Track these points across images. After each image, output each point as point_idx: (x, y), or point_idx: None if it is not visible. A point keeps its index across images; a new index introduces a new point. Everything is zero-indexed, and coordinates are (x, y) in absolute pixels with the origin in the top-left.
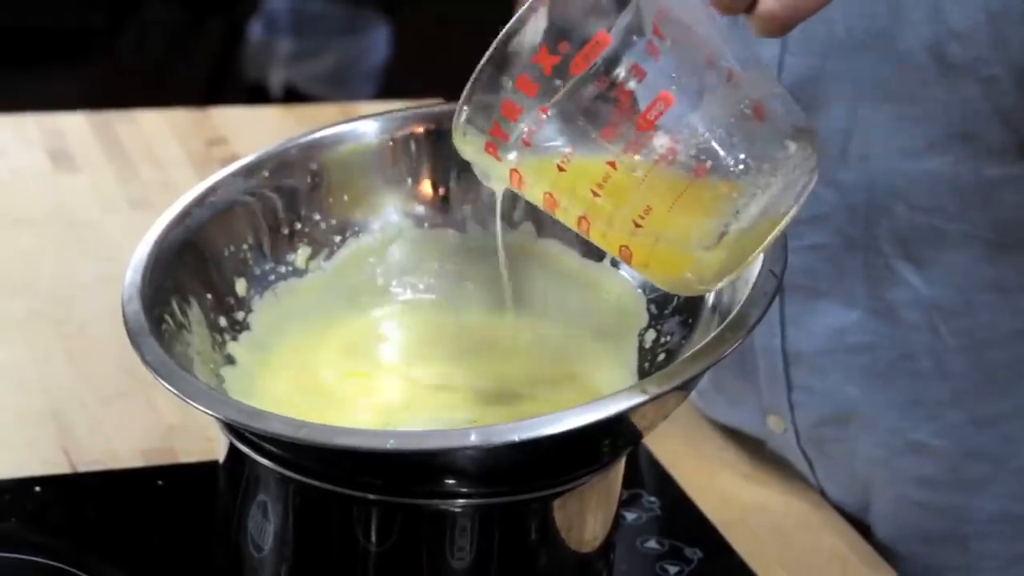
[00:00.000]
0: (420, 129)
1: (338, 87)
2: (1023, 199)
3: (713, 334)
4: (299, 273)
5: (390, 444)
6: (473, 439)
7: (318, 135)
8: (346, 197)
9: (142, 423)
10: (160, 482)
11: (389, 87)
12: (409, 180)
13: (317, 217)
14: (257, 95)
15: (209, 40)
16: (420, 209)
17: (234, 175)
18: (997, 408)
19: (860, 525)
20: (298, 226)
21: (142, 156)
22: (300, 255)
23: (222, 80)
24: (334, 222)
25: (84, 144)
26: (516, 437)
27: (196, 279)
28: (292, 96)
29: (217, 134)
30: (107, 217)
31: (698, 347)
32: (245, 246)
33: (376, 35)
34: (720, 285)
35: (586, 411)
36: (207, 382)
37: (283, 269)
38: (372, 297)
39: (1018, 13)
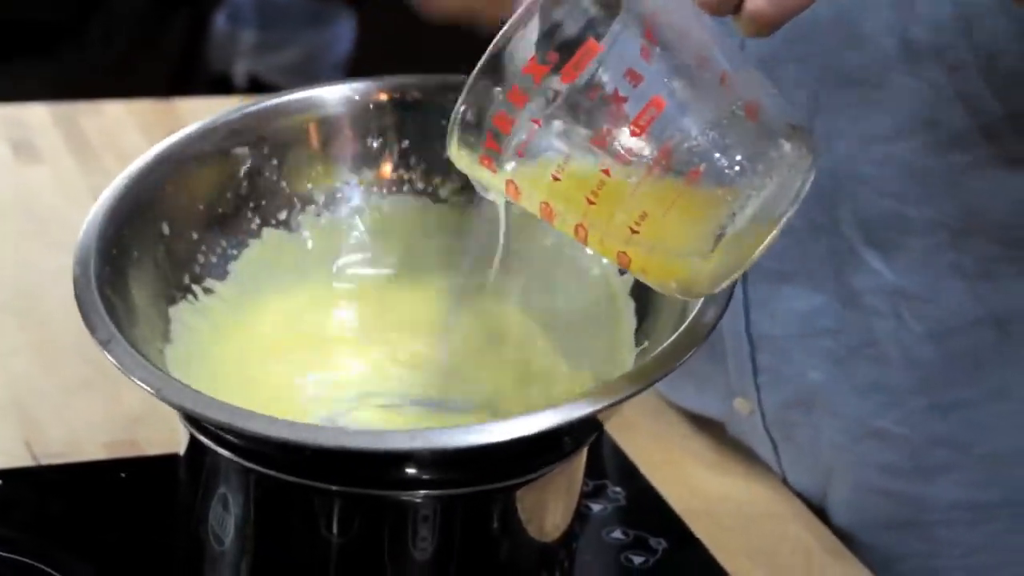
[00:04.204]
0: (384, 97)
1: (303, 78)
2: (987, 186)
3: (679, 330)
4: (255, 242)
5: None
6: (418, 443)
7: (273, 102)
8: (305, 166)
9: (105, 415)
10: (123, 474)
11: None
12: (373, 148)
13: (274, 186)
14: (222, 86)
15: (174, 31)
16: (384, 179)
17: (186, 140)
18: (960, 395)
19: (821, 512)
20: (253, 196)
21: (105, 147)
22: (255, 225)
23: (186, 71)
24: (291, 192)
25: (47, 135)
26: (466, 442)
27: (146, 248)
28: (257, 87)
29: (181, 125)
30: (70, 208)
31: (663, 346)
32: (197, 216)
33: (341, 27)
34: (718, 289)
35: (546, 416)
36: (153, 353)
37: (238, 238)
38: (330, 270)
39: None
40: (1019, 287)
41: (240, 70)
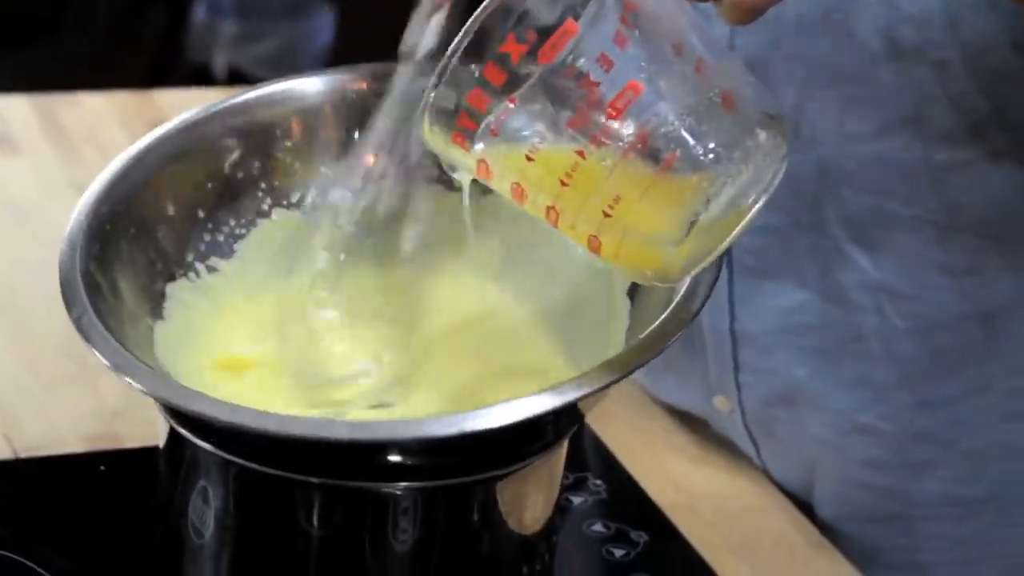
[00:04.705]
0: (364, 86)
1: (282, 70)
2: (972, 183)
3: (660, 319)
4: (264, 222)
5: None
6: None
7: (253, 95)
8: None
9: (85, 408)
10: (103, 467)
11: None
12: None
13: (288, 167)
14: (201, 78)
15: (153, 23)
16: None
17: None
18: (944, 391)
19: (804, 506)
20: (264, 176)
21: (85, 139)
22: (267, 206)
23: (166, 63)
24: (277, 182)
25: (26, 127)
26: (443, 432)
27: (146, 227)
28: (236, 79)
29: (161, 116)
30: (49, 201)
31: (644, 334)
32: (205, 195)
33: (321, 18)
34: (689, 276)
35: (524, 405)
36: (140, 329)
37: (247, 218)
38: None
39: None
40: (1003, 283)
41: (220, 62)
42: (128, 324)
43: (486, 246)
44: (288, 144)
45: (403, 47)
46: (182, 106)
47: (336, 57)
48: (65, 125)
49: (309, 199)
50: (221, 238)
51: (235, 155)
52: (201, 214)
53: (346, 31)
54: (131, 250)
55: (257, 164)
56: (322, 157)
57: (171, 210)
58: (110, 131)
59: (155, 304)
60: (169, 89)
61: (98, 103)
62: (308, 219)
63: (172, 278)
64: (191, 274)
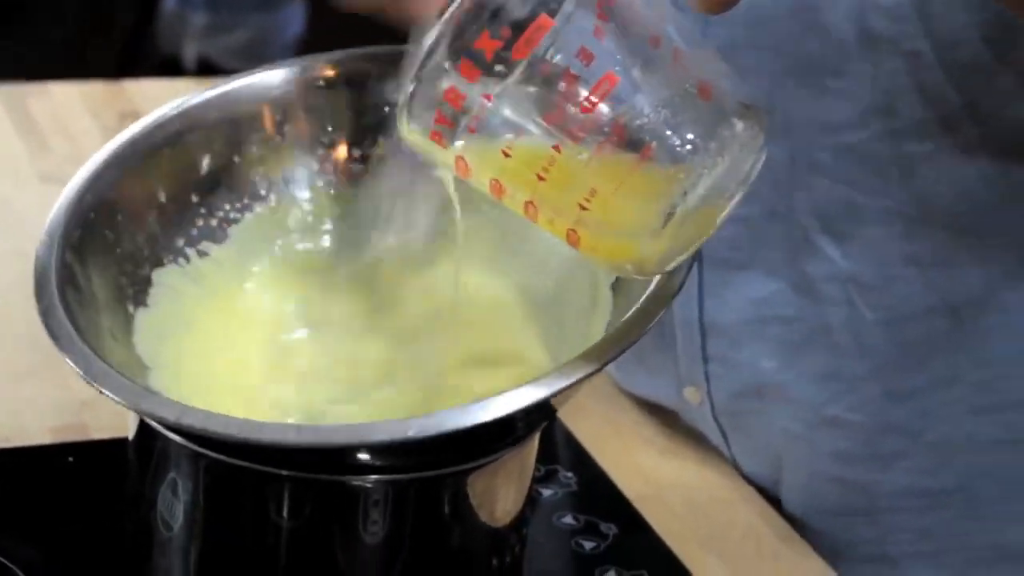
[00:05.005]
0: (331, 72)
1: (253, 61)
2: (942, 175)
3: (633, 309)
4: (259, 205)
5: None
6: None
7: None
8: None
9: (53, 399)
10: (71, 459)
11: None
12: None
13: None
14: (171, 68)
15: (122, 13)
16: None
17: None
18: (912, 382)
19: (773, 499)
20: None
21: (54, 130)
22: (263, 190)
23: (135, 53)
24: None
25: None
26: (413, 433)
27: (115, 232)
28: (206, 70)
29: (131, 107)
30: (17, 191)
31: (617, 326)
32: (171, 195)
33: (291, 10)
34: (666, 270)
35: (498, 402)
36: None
37: (243, 202)
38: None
39: None
40: (972, 275)
41: (190, 52)
42: (104, 313)
43: (475, 235)
44: (287, 129)
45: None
46: (153, 97)
47: (307, 49)
48: (34, 115)
49: (303, 183)
50: (214, 223)
51: (232, 139)
52: (195, 198)
53: (316, 22)
54: (117, 237)
55: (254, 148)
56: (318, 143)
57: (162, 196)
58: (80, 121)
59: (140, 290)
60: (140, 80)
61: (68, 93)
62: (298, 204)
63: (160, 264)
64: (180, 260)
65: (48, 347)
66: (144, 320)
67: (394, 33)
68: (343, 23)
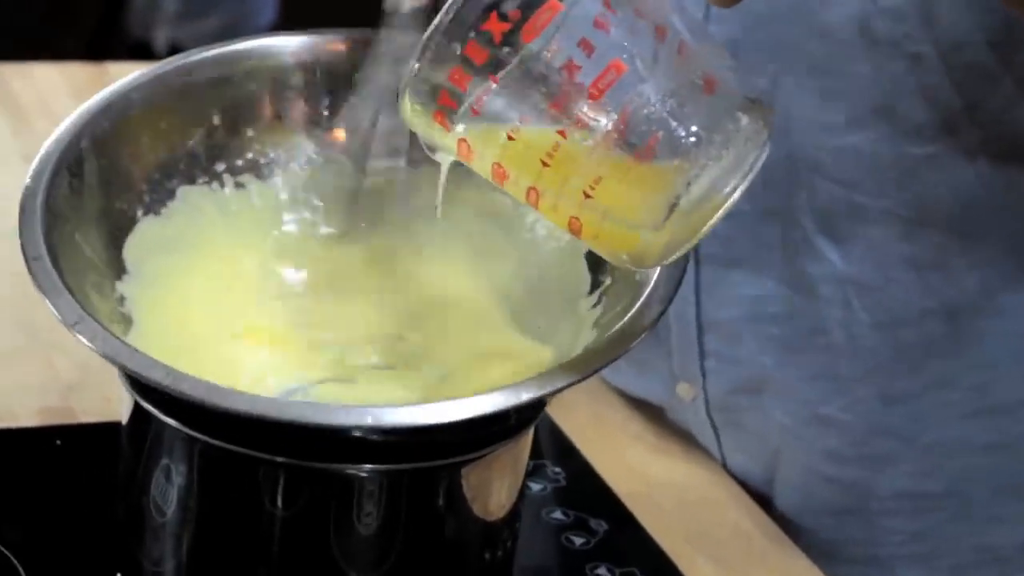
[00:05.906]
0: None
1: None
2: (942, 178)
3: (631, 312)
4: (268, 170)
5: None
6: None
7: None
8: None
9: (39, 381)
10: (58, 442)
11: None
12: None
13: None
14: (142, 53)
15: None
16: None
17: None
18: (906, 386)
19: (762, 498)
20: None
21: (36, 110)
22: (291, 146)
23: (106, 38)
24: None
25: None
26: (410, 421)
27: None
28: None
29: None
30: (0, 172)
31: (612, 330)
32: (225, 121)
33: None
34: (667, 262)
35: (493, 399)
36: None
37: (271, 153)
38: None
39: None
40: (969, 279)
41: (161, 37)
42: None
43: (459, 227)
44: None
45: (387, 5)
46: None
47: None
48: (16, 95)
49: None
50: (263, 160)
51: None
52: (250, 133)
53: (289, 9)
54: (154, 142)
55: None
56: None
57: (216, 119)
58: (62, 102)
59: (158, 200)
60: (123, 62)
61: (50, 74)
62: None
63: (192, 181)
64: (215, 183)
65: (33, 327)
66: (148, 228)
67: (366, 19)
68: (315, 10)
